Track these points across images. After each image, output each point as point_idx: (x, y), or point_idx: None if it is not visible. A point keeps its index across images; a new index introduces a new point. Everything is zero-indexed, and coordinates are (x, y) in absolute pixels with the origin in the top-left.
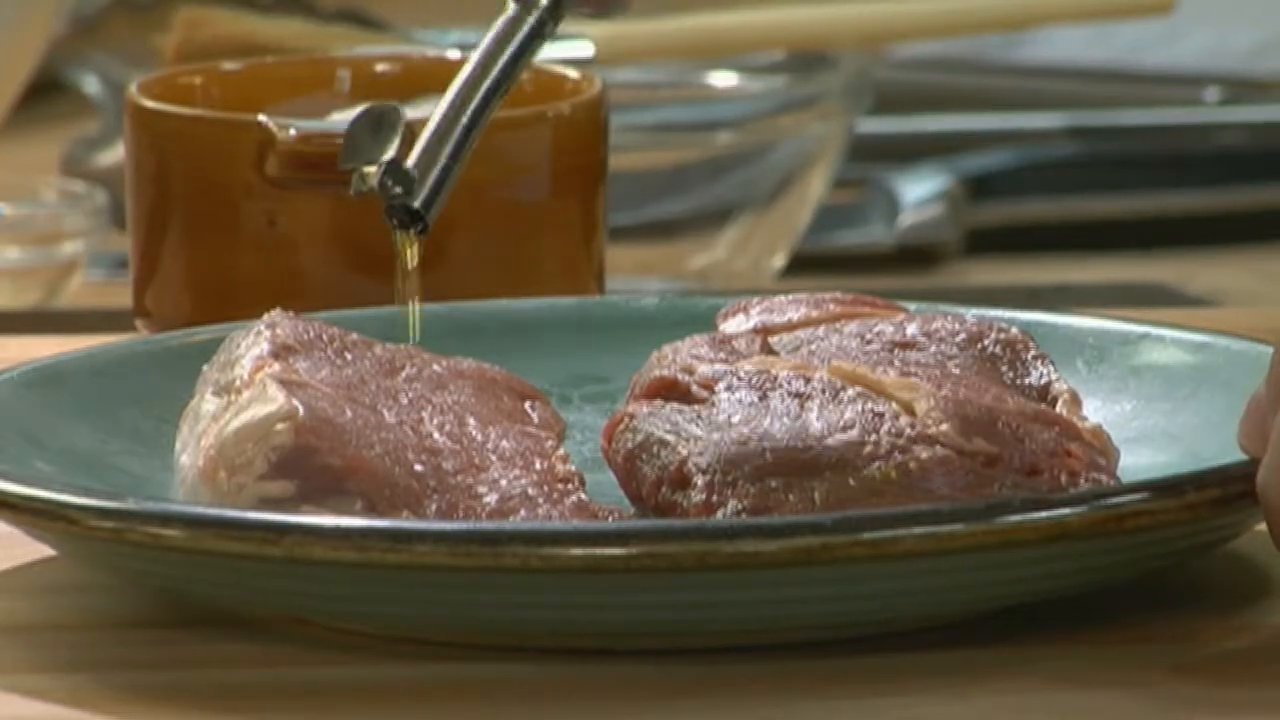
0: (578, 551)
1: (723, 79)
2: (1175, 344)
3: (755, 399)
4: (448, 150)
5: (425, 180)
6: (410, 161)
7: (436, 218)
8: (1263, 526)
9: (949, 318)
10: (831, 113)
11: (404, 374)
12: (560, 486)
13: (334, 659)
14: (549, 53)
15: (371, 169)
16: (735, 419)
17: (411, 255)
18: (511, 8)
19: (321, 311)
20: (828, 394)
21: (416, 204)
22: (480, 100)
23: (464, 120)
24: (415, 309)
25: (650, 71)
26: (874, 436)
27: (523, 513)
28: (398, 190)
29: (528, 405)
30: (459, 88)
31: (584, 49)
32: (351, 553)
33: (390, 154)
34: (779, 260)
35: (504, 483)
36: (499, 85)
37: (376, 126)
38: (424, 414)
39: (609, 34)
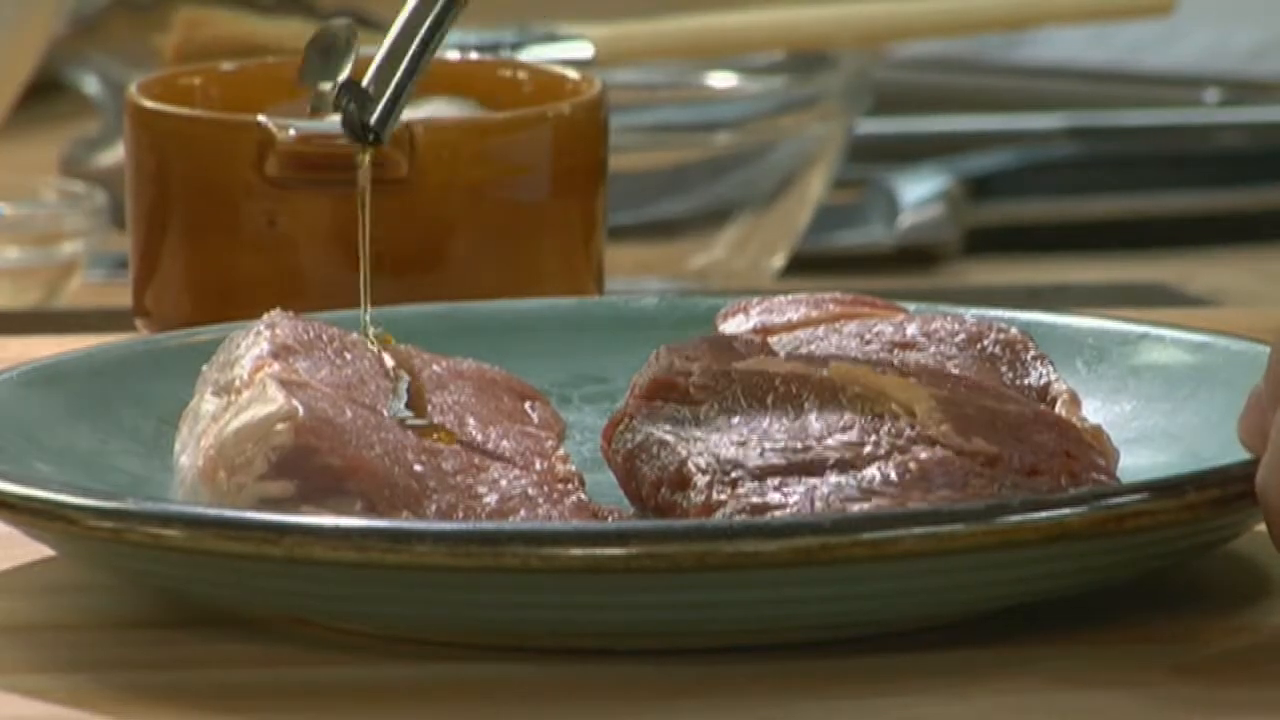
0: (578, 551)
1: (722, 79)
2: (1175, 344)
3: (755, 399)
4: (403, 66)
5: (381, 96)
6: (366, 79)
7: (391, 133)
8: (1262, 527)
9: (948, 318)
10: (831, 113)
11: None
12: (560, 486)
13: (334, 659)
14: (549, 53)
15: (328, 85)
16: (735, 419)
17: (366, 171)
18: None
19: (321, 311)
20: (827, 394)
21: (372, 119)
22: (435, 15)
23: (419, 36)
24: (365, 232)
25: (650, 72)
26: (873, 437)
27: (523, 513)
28: (353, 106)
29: (527, 405)
30: (413, 6)
31: (583, 50)
32: (351, 553)
33: (346, 72)
34: (778, 260)
35: (504, 483)
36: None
37: (330, 46)
38: None
39: (609, 35)
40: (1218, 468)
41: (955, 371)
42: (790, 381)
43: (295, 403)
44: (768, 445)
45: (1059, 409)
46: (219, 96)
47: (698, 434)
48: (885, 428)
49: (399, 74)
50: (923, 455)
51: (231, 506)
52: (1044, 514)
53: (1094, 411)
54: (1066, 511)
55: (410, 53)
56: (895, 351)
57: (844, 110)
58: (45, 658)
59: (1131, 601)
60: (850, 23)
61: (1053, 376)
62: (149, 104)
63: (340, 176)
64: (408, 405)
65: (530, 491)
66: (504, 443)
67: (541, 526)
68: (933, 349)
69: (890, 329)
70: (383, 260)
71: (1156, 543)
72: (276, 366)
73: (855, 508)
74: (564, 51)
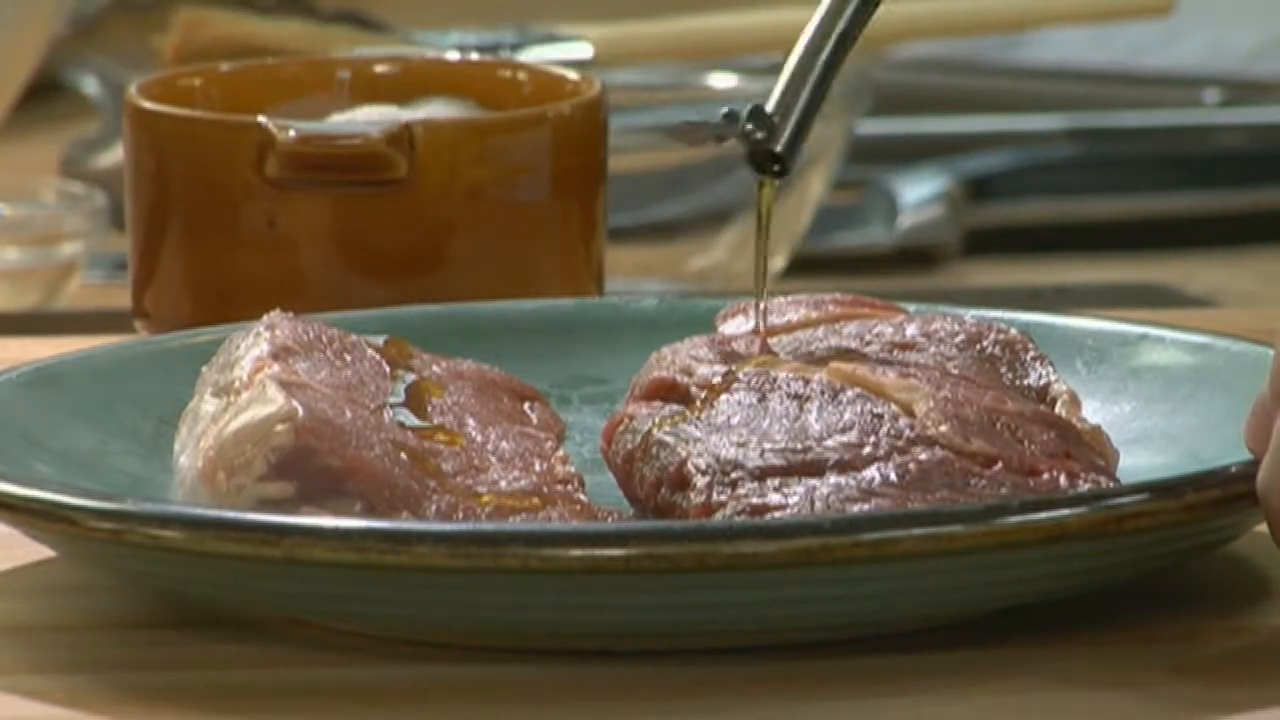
0: (577, 552)
1: (722, 80)
2: (1174, 345)
3: (754, 400)
4: (807, 93)
5: (786, 123)
6: (770, 106)
7: (797, 163)
8: (1262, 527)
9: (948, 319)
10: (831, 114)
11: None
12: (560, 488)
13: (333, 660)
14: (549, 54)
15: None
16: (734, 420)
17: (770, 199)
18: None
19: (321, 312)
20: (827, 395)
21: (778, 148)
22: (836, 42)
23: (821, 62)
24: (765, 258)
25: (649, 73)
26: (873, 438)
27: (522, 514)
28: (760, 135)
29: (527, 406)
30: (813, 30)
31: (583, 50)
32: (350, 554)
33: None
34: (779, 262)
35: (503, 484)
36: (853, 25)
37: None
38: None
39: (608, 35)
40: (1217, 469)
41: (955, 372)
42: (790, 382)
43: (295, 404)
44: (767, 446)
45: (1059, 410)
46: (219, 97)
47: (697, 435)
48: (885, 428)
49: (803, 101)
50: (922, 456)
51: (231, 507)
52: (1043, 515)
53: (1094, 412)
54: (1066, 512)
55: (813, 80)
56: (895, 352)
57: (844, 111)
58: (44, 658)
59: (1131, 601)
60: None
61: (1052, 377)
62: (148, 105)
63: (339, 178)
64: (408, 406)
65: (529, 492)
66: (503, 444)
67: (541, 527)
68: (932, 350)
69: (890, 330)
70: (382, 261)
71: (1156, 543)
72: (276, 367)
73: (855, 508)
74: (563, 52)
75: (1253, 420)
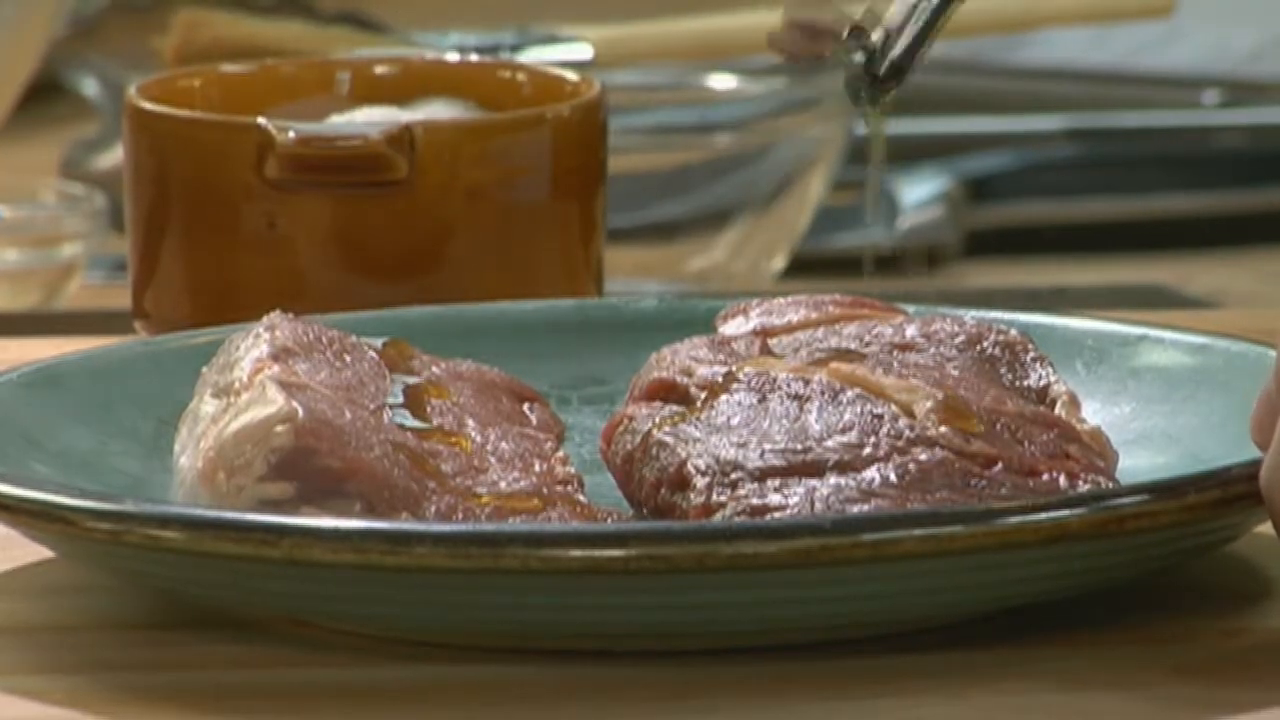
0: (577, 553)
1: (722, 81)
2: (1174, 346)
3: (754, 401)
4: (918, 18)
5: (893, 46)
6: (887, 23)
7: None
8: (1263, 527)
9: (948, 320)
10: (831, 114)
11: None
12: (559, 488)
13: (333, 660)
14: (548, 55)
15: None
16: (734, 421)
17: (879, 122)
18: None
19: (321, 313)
20: (827, 396)
21: (889, 60)
22: None
23: None
24: (876, 179)
25: (649, 74)
26: (873, 438)
27: (522, 515)
28: (868, 51)
29: (526, 407)
30: None
31: (583, 51)
32: (350, 555)
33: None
34: (778, 262)
35: (503, 484)
36: None
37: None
38: None
39: (608, 36)
40: (1218, 469)
41: (954, 373)
42: (790, 383)
43: (295, 404)
44: (767, 446)
45: (1058, 410)
46: (218, 98)
47: (697, 435)
48: (885, 429)
49: (918, 19)
50: (922, 456)
51: (231, 508)
52: (1043, 515)
53: (1093, 413)
54: (1066, 513)
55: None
56: (895, 353)
57: (844, 111)
58: (44, 659)
59: (1131, 601)
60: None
61: (1052, 378)
62: (148, 106)
63: (339, 179)
64: (407, 407)
65: (529, 493)
66: (503, 444)
67: (541, 528)
68: (932, 350)
69: (890, 331)
70: (382, 262)
71: (1156, 544)
72: (276, 368)
73: (855, 509)
74: (563, 53)
75: (1258, 413)
